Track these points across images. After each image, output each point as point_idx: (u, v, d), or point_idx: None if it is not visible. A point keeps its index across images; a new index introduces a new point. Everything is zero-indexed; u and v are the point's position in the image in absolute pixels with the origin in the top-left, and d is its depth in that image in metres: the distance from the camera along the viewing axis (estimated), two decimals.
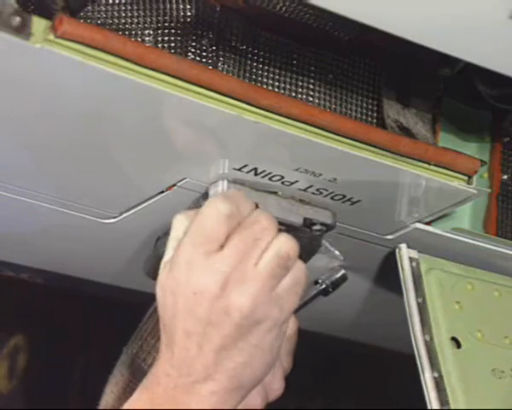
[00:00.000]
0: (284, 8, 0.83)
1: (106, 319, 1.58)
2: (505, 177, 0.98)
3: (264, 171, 0.86)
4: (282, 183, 0.87)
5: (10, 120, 0.79)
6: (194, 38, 0.83)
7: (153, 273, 0.96)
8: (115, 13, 0.82)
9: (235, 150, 0.83)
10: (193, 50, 0.83)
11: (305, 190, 0.88)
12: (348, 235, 0.97)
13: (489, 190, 0.94)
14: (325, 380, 1.55)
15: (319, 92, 0.88)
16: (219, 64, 0.84)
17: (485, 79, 0.90)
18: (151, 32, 0.82)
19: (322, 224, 0.91)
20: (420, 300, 0.94)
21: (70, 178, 0.88)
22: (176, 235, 0.81)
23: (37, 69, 0.72)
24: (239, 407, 0.80)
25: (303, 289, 0.80)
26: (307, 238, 0.91)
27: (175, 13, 0.83)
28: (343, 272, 0.98)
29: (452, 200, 0.90)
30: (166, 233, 0.91)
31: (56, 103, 0.76)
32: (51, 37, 0.70)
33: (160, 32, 0.82)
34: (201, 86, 0.76)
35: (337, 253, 0.98)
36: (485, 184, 0.97)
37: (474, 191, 0.88)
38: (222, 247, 0.77)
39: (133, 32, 0.82)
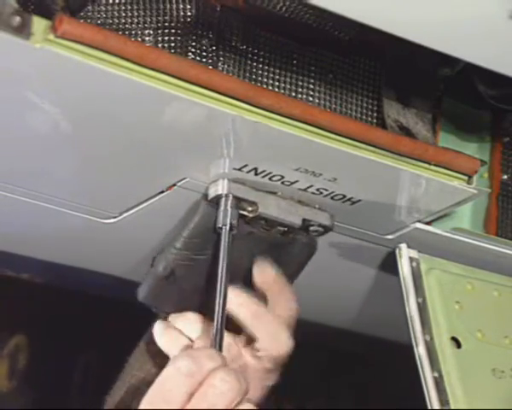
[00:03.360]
0: (284, 8, 0.83)
1: (106, 319, 1.58)
2: (505, 177, 0.98)
3: (264, 171, 0.86)
4: (282, 183, 0.87)
5: (9, 120, 0.79)
6: (194, 38, 0.83)
7: (151, 298, 0.93)
8: (115, 13, 0.82)
9: (235, 150, 0.83)
10: (193, 50, 0.83)
11: (305, 189, 0.88)
12: (348, 235, 0.97)
13: (489, 190, 0.94)
14: (325, 380, 1.55)
15: (319, 92, 0.88)
16: (219, 64, 0.84)
17: (485, 79, 0.90)
18: (151, 32, 0.82)
19: (319, 225, 0.91)
20: (420, 300, 0.94)
21: (70, 177, 0.88)
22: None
23: (37, 69, 0.72)
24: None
25: None
26: (305, 240, 0.91)
27: (175, 13, 0.83)
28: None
29: (452, 200, 0.90)
30: (161, 252, 0.91)
31: (56, 103, 0.76)
32: (51, 37, 0.70)
33: (160, 32, 0.82)
34: (201, 86, 0.76)
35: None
36: (485, 184, 0.97)
37: (474, 191, 0.88)
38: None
39: (133, 32, 0.82)
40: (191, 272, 0.91)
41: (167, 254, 0.90)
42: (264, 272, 0.89)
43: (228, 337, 0.86)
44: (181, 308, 0.93)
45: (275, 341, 0.86)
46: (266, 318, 0.87)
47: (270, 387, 0.88)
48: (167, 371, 0.77)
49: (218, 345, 0.82)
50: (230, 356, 0.85)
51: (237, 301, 0.86)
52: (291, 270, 0.93)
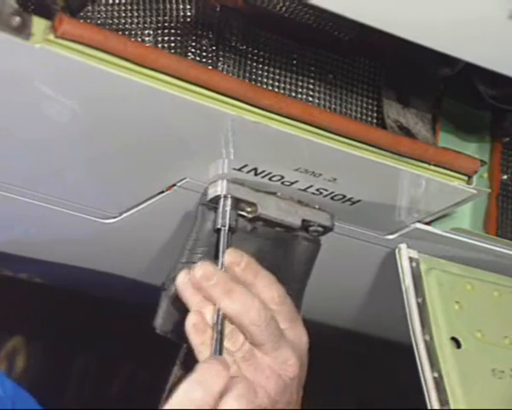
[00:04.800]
0: (284, 8, 0.83)
1: (104, 319, 1.58)
2: (505, 177, 0.98)
3: (264, 171, 0.86)
4: (282, 183, 0.87)
5: (9, 120, 0.79)
6: (194, 38, 0.83)
7: (169, 324, 0.89)
8: (115, 13, 0.82)
9: (234, 150, 0.83)
10: (193, 50, 0.83)
11: (304, 190, 0.88)
12: (348, 235, 0.97)
13: (489, 190, 0.94)
14: (325, 380, 1.55)
15: (319, 92, 0.88)
16: (219, 64, 0.84)
17: (485, 79, 0.90)
18: (151, 32, 0.82)
19: (319, 225, 0.91)
20: (420, 300, 0.94)
21: (70, 178, 0.88)
22: None
23: (38, 69, 0.72)
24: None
25: None
26: (306, 241, 0.91)
27: (175, 13, 0.83)
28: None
29: (452, 200, 0.90)
30: (170, 273, 0.88)
31: (56, 103, 0.76)
32: (51, 37, 0.70)
33: (160, 32, 0.82)
34: (201, 86, 0.76)
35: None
36: (485, 184, 0.97)
37: (474, 191, 0.88)
38: None
39: (133, 32, 0.82)
40: None
41: (176, 272, 0.87)
42: (234, 261, 0.85)
43: (230, 325, 0.85)
44: None
45: (245, 309, 0.83)
46: (239, 290, 0.84)
47: (291, 381, 0.85)
48: (180, 400, 0.77)
49: (219, 344, 0.82)
50: (236, 346, 0.85)
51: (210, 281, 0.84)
52: (301, 268, 0.93)
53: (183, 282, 0.84)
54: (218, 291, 0.83)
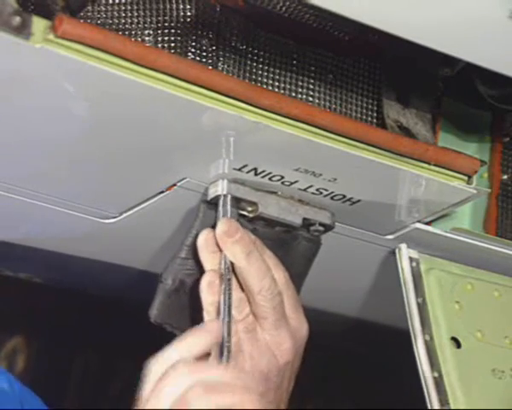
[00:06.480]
0: (284, 8, 0.83)
1: (104, 319, 1.58)
2: (505, 177, 0.98)
3: (264, 171, 0.86)
4: (282, 183, 0.87)
5: (9, 120, 0.79)
6: (194, 38, 0.83)
7: (163, 316, 0.90)
8: (115, 13, 0.82)
9: (235, 150, 0.83)
10: (193, 50, 0.83)
11: (304, 190, 0.88)
12: (348, 235, 0.97)
13: (489, 190, 0.94)
14: (325, 380, 1.55)
15: (319, 92, 0.88)
16: (219, 64, 0.84)
17: (485, 79, 0.90)
18: (151, 32, 0.82)
19: (320, 224, 0.91)
20: (420, 300, 0.94)
21: (70, 178, 0.88)
22: None
23: (38, 69, 0.72)
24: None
25: None
26: (306, 241, 0.91)
27: (175, 13, 0.83)
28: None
29: (452, 200, 0.90)
30: (167, 266, 0.90)
31: (56, 103, 0.76)
32: (51, 37, 0.70)
33: (160, 32, 0.82)
34: (201, 86, 0.76)
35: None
36: (485, 184, 0.97)
37: (474, 191, 0.89)
38: None
39: (133, 32, 0.82)
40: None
41: (173, 266, 0.89)
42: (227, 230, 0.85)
43: (239, 294, 0.86)
44: (197, 320, 0.87)
45: (259, 275, 0.84)
46: (257, 255, 0.86)
47: (285, 365, 0.86)
48: (157, 360, 0.80)
49: (227, 345, 0.82)
50: (241, 316, 0.85)
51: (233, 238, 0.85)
52: (299, 268, 0.93)
53: (205, 239, 0.85)
54: (237, 250, 0.84)
